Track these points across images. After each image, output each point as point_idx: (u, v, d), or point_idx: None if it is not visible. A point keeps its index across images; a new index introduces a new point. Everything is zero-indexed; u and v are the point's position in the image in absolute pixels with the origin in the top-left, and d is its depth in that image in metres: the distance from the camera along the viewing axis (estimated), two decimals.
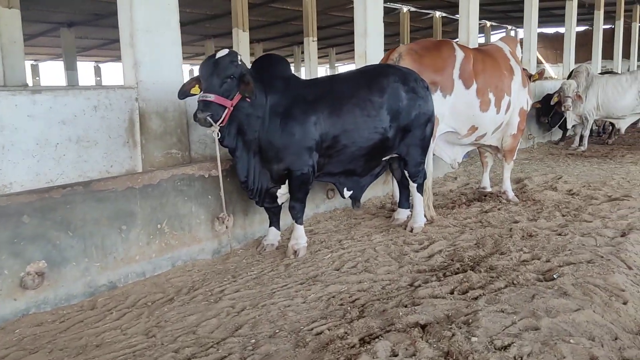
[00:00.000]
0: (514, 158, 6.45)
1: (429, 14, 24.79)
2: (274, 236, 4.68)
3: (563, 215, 5.33)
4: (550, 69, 27.84)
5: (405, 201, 5.39)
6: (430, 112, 4.92)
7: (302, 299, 3.50)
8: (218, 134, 4.03)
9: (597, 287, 3.34)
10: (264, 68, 4.41)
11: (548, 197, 6.16)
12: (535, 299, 3.12)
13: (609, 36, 21.03)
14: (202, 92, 3.97)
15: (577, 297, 3.17)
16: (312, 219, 5.42)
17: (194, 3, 17.40)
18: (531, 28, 13.02)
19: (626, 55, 23.07)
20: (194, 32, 23.31)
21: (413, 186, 5.05)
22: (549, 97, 10.83)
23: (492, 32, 31.62)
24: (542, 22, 28.41)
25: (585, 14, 20.59)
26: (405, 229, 5.02)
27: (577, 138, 10.78)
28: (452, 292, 3.42)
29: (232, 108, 4.01)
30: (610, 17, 21.04)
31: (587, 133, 10.49)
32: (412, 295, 3.39)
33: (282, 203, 4.65)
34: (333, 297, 3.52)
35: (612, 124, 11.16)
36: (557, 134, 11.85)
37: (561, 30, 18.43)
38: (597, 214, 5.33)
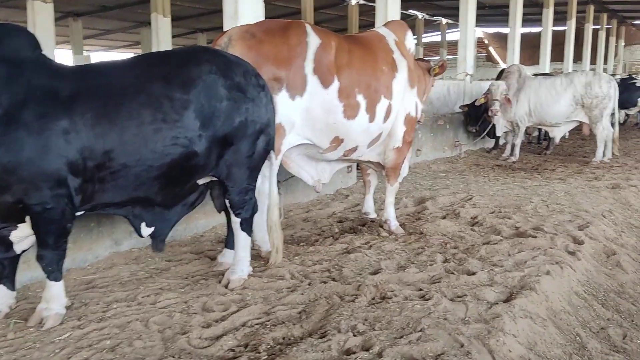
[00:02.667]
0: (401, 177, 5.14)
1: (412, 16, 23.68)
2: (3, 299, 3.20)
3: (445, 261, 4.03)
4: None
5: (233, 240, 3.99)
6: (264, 119, 3.53)
7: None
8: None
9: None
10: None
11: (441, 228, 4.86)
12: None
13: (562, 38, 20.17)
14: None
15: None
16: (106, 262, 3.95)
17: None
18: (467, 23, 11.83)
19: (578, 58, 22.34)
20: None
21: (235, 221, 3.64)
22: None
23: (447, 31, 30.65)
24: (496, 21, 27.65)
25: (538, 13, 19.61)
26: (220, 281, 3.61)
27: (509, 147, 9.60)
28: None
29: None
30: (562, 17, 20.12)
31: (518, 142, 9.31)
32: None
33: (25, 250, 3.18)
34: None
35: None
36: (491, 140, 10.67)
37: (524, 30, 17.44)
38: (488, 259, 4.04)
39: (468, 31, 11.90)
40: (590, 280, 3.98)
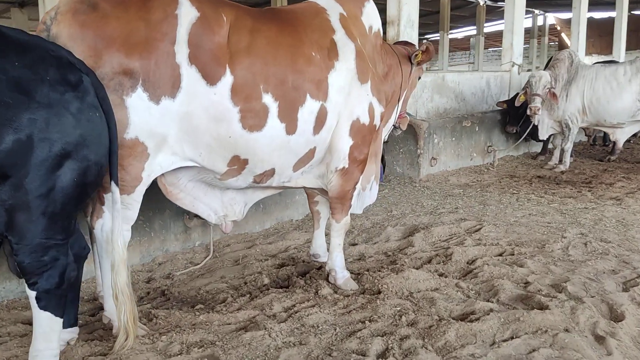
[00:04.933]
0: (360, 207, 3.71)
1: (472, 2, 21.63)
2: None
3: (382, 355, 2.58)
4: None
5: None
6: (72, 136, 2.21)
7: None
8: None
9: None
10: None
11: (411, 283, 3.37)
12: None
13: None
14: None
15: None
16: None
17: None
18: (514, 3, 9.99)
19: None
20: None
21: (31, 295, 2.35)
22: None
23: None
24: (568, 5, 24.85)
25: None
26: None
27: (557, 153, 7.79)
28: None
29: None
30: None
31: (569, 146, 7.48)
32: None
33: None
34: None
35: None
36: (538, 144, 8.85)
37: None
38: (453, 354, 2.55)
39: (516, 13, 10.04)
40: None
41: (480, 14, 25.27)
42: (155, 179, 2.84)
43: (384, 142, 6.48)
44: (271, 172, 3.06)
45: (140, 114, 2.55)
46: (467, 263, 3.82)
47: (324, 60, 3.04)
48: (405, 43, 4.11)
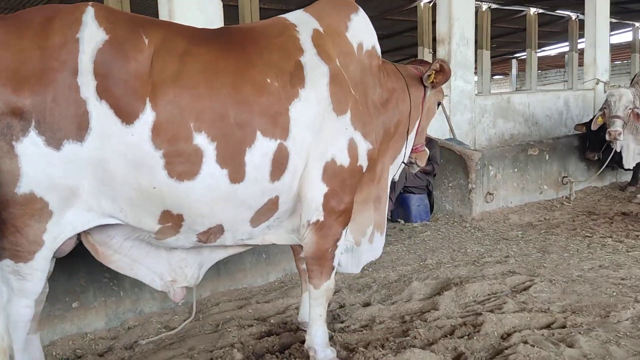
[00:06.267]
0: (356, 265, 3.00)
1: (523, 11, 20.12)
2: None
3: None
4: None
5: None
6: None
7: None
8: None
9: None
10: None
11: None
12: None
13: None
14: None
15: None
16: None
17: None
18: (596, 14, 8.83)
19: None
20: None
21: None
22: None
23: (611, 33, 25.70)
24: None
25: None
26: None
27: None
28: None
29: None
30: None
31: None
32: None
33: None
34: None
35: None
36: (628, 173, 7.56)
37: None
38: None
39: (598, 24, 8.89)
40: None
41: (572, 29, 23.20)
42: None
43: (432, 175, 5.75)
44: (219, 229, 2.44)
45: (35, 163, 2.05)
46: (501, 338, 2.96)
47: (284, 88, 2.40)
48: (421, 62, 3.37)
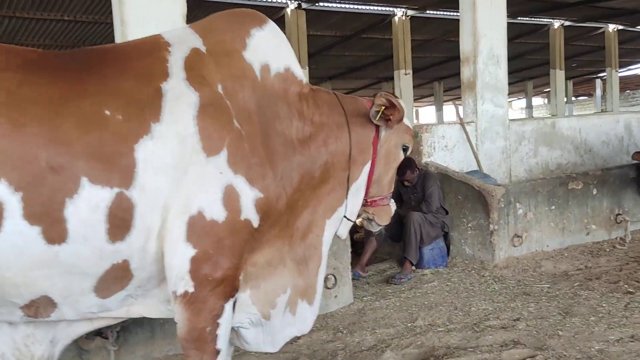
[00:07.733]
0: (276, 345, 2.36)
1: (601, 28, 18.44)
2: None
3: None
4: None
5: None
6: None
7: None
8: None
9: None
10: None
11: None
12: None
13: None
14: None
15: None
16: None
17: None
18: None
19: None
20: None
21: None
22: None
23: None
24: None
25: None
26: None
27: None
28: None
29: None
30: None
31: None
32: None
33: None
34: None
35: None
36: None
37: None
38: None
39: None
40: None
41: (610, 40, 21.11)
42: None
43: (445, 212, 4.95)
44: (47, 302, 1.92)
45: None
46: None
47: (128, 122, 1.87)
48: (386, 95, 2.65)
